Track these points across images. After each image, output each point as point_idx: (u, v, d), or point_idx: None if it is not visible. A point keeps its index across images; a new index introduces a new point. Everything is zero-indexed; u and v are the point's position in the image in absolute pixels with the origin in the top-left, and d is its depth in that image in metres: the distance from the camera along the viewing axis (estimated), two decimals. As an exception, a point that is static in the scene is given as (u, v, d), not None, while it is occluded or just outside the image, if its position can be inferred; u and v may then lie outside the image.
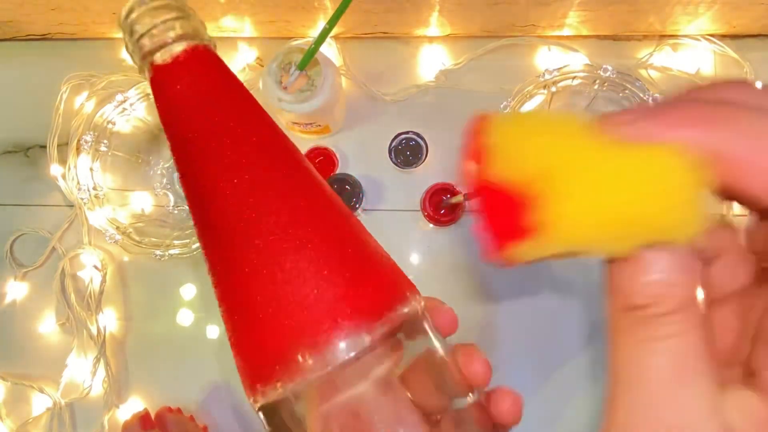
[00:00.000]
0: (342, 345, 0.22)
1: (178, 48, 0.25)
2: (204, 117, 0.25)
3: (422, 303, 0.26)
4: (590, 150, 0.14)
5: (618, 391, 0.15)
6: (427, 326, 0.26)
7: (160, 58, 0.25)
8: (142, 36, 0.25)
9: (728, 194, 0.14)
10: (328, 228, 0.25)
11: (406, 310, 0.24)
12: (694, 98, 0.17)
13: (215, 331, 0.62)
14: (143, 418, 0.55)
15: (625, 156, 0.14)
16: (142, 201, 0.62)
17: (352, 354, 0.22)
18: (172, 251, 0.57)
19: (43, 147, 0.63)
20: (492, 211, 0.15)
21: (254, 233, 0.24)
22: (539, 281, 0.60)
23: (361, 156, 0.62)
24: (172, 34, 0.25)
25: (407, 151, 0.58)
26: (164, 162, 0.64)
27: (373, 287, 0.24)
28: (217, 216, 0.25)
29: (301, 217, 0.24)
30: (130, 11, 0.25)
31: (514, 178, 0.14)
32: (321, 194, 0.26)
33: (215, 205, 0.25)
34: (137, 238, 0.58)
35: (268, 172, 0.25)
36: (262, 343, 0.23)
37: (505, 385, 0.26)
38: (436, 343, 0.26)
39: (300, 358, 0.22)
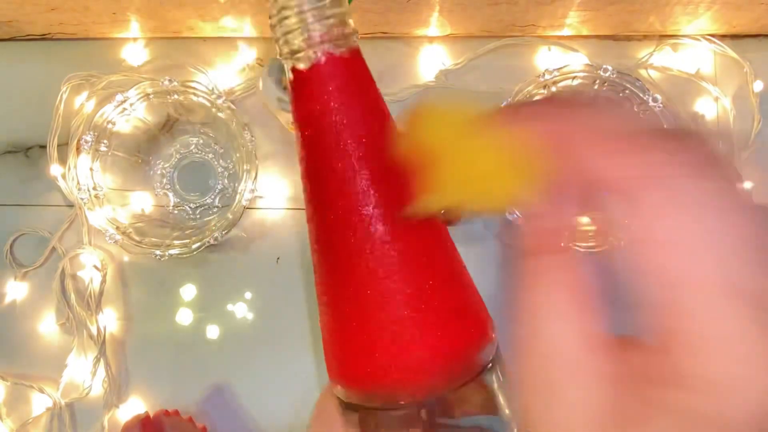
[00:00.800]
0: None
1: (331, 50, 0.23)
2: (348, 124, 0.24)
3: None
4: (466, 135, 0.20)
5: (512, 327, 0.17)
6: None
7: (304, 59, 0.23)
8: (288, 32, 0.23)
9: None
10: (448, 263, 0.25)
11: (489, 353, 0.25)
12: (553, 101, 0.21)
13: (215, 331, 0.62)
14: (144, 422, 0.55)
15: (485, 138, 0.19)
16: (142, 201, 0.62)
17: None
18: (172, 251, 0.57)
19: (43, 147, 0.63)
20: (405, 178, 0.22)
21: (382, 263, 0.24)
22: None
23: (361, 156, 0.62)
24: (321, 32, 0.23)
25: (407, 151, 0.58)
26: (164, 162, 0.64)
27: (473, 328, 0.25)
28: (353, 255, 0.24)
29: (432, 246, 0.24)
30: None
31: (420, 155, 0.21)
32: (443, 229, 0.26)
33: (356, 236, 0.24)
34: (137, 238, 0.58)
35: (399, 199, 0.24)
36: (380, 360, 0.24)
37: None
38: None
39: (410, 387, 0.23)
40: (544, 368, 0.17)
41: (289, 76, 0.24)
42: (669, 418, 0.15)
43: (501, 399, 0.25)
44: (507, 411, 0.25)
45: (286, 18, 0.22)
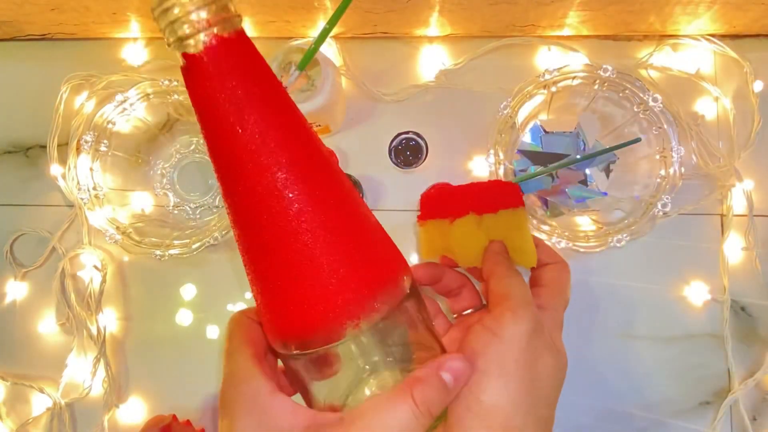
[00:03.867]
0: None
1: (218, 32, 0.24)
2: (242, 104, 0.25)
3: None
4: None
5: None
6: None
7: (193, 45, 0.24)
8: (173, 22, 0.24)
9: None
10: (350, 213, 0.28)
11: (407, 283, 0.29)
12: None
13: (215, 331, 0.62)
14: (165, 429, 0.55)
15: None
16: (142, 201, 0.62)
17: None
18: (172, 251, 0.57)
19: (43, 147, 0.63)
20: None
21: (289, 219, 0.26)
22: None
23: (361, 156, 0.62)
24: (206, 18, 0.24)
25: (407, 151, 0.58)
26: (164, 162, 0.64)
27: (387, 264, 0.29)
28: (257, 207, 0.26)
29: (335, 206, 0.27)
30: None
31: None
32: (344, 180, 0.29)
33: (257, 195, 0.26)
34: (137, 238, 0.58)
35: (307, 163, 0.27)
36: (308, 310, 0.27)
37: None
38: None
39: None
40: None
41: (181, 62, 0.25)
42: None
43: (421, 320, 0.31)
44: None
45: (169, 8, 0.24)
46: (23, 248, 0.64)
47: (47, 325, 0.62)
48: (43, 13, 0.60)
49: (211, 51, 0.24)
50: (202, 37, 0.24)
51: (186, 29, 0.24)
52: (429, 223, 0.45)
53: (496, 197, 0.42)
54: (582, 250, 0.54)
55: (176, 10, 0.24)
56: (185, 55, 0.25)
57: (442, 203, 0.44)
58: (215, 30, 0.24)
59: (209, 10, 0.24)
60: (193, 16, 0.24)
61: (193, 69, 0.25)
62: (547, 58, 0.62)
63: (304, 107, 0.52)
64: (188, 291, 0.62)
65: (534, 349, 0.32)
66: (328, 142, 0.62)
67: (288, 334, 0.27)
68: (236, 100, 0.25)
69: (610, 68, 0.54)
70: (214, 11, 0.24)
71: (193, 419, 0.59)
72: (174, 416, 0.57)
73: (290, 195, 0.25)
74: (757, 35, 0.62)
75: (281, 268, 0.26)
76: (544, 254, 0.41)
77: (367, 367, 0.28)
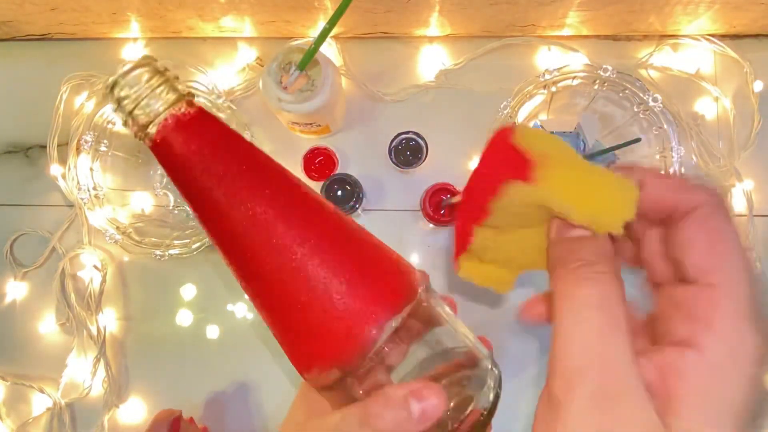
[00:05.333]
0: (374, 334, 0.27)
1: (174, 112, 0.26)
2: (216, 166, 0.26)
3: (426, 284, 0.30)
4: (575, 157, 0.25)
5: (557, 320, 0.22)
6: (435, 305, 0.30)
7: (154, 129, 0.26)
8: (132, 111, 0.26)
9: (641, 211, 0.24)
10: (342, 241, 0.28)
11: (412, 303, 0.28)
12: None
13: (215, 331, 0.62)
14: (174, 422, 0.55)
15: (594, 169, 0.24)
16: (142, 201, 0.62)
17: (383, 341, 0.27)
18: (172, 251, 0.57)
19: (43, 147, 0.63)
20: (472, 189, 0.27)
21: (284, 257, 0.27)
22: (541, 287, 0.60)
23: (361, 156, 0.62)
24: (162, 105, 0.25)
25: (407, 151, 0.58)
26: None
27: (392, 285, 0.28)
28: (251, 251, 0.27)
29: (324, 240, 0.27)
30: (114, 85, 0.25)
31: (529, 149, 0.25)
32: (331, 214, 0.29)
33: (245, 240, 0.27)
34: (137, 238, 0.58)
35: (283, 207, 0.27)
36: (314, 342, 0.27)
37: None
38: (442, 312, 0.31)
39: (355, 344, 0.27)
40: (594, 381, 0.20)
41: (148, 144, 0.27)
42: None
43: (441, 312, 0.30)
44: (446, 322, 0.30)
45: (126, 106, 0.26)
46: (23, 248, 0.64)
47: (47, 325, 0.62)
48: (43, 13, 0.60)
49: (172, 131, 0.26)
50: (159, 121, 0.26)
51: (143, 119, 0.26)
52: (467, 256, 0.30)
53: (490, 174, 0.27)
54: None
55: (131, 106, 0.25)
56: (151, 141, 0.26)
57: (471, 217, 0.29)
58: (171, 112, 0.26)
59: (160, 98, 0.25)
60: (149, 105, 0.25)
61: (161, 151, 0.27)
62: (547, 58, 0.62)
63: (304, 107, 0.52)
64: (188, 291, 0.62)
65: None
66: (328, 142, 0.62)
67: (318, 360, 0.28)
68: (206, 168, 0.26)
69: (610, 68, 0.54)
70: (165, 97, 0.26)
71: (194, 418, 0.59)
72: (181, 412, 0.57)
73: (297, 250, 0.26)
74: (757, 35, 0.62)
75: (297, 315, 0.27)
76: (655, 189, 0.23)
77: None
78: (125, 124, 0.26)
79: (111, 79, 0.25)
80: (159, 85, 0.25)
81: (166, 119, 0.26)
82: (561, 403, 0.20)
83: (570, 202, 0.23)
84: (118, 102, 0.26)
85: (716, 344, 0.20)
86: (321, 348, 0.27)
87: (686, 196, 0.22)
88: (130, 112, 0.26)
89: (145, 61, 0.26)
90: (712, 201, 0.22)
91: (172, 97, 0.26)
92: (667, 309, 0.23)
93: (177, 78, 0.27)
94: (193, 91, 0.27)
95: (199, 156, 0.26)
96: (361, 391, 0.28)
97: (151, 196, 0.63)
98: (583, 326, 0.21)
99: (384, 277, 0.28)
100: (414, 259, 0.61)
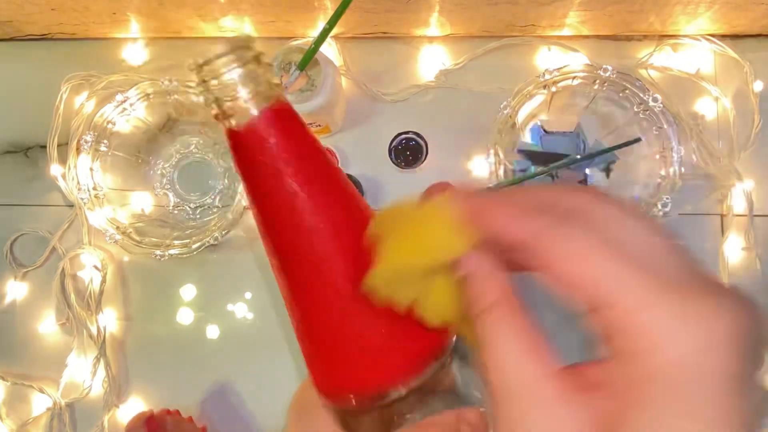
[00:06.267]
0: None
1: (263, 107, 0.24)
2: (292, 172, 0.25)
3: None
4: (405, 217, 0.23)
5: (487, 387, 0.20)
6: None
7: (238, 121, 0.24)
8: (220, 99, 0.24)
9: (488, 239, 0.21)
10: None
11: (439, 359, 0.28)
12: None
13: (215, 331, 0.62)
14: (148, 420, 0.55)
15: (418, 215, 0.23)
16: (142, 201, 0.62)
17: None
18: (172, 251, 0.57)
19: (43, 147, 0.63)
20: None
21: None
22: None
23: (361, 156, 0.62)
24: (253, 99, 0.24)
25: (407, 151, 0.58)
26: (164, 162, 0.64)
27: (419, 344, 0.27)
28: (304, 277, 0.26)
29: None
30: (207, 68, 0.24)
31: (372, 234, 0.24)
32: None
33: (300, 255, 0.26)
34: (137, 238, 0.58)
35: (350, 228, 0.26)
36: (341, 376, 0.27)
37: None
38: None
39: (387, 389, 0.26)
40: (518, 412, 0.18)
41: (227, 133, 0.25)
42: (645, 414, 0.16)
43: (458, 378, 0.29)
44: (462, 387, 0.29)
45: (214, 85, 0.24)
46: (23, 248, 0.64)
47: (47, 325, 0.62)
48: (43, 13, 0.60)
49: (255, 124, 0.24)
50: (244, 112, 0.24)
51: (229, 105, 0.24)
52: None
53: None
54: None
55: (221, 86, 0.24)
56: (229, 130, 0.25)
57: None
58: (258, 103, 0.24)
59: (253, 84, 0.24)
60: (239, 90, 0.24)
61: (238, 141, 0.25)
62: (547, 58, 0.62)
63: (304, 107, 0.52)
64: (188, 291, 0.62)
65: None
66: (328, 142, 0.62)
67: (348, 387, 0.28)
68: (283, 172, 0.25)
69: (610, 68, 0.54)
70: (257, 84, 0.24)
71: (193, 418, 0.59)
72: (152, 411, 0.57)
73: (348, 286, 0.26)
74: (757, 35, 0.62)
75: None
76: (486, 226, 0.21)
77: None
78: (211, 104, 0.25)
79: (205, 60, 0.24)
80: (255, 77, 0.24)
81: (262, 111, 0.24)
82: None
83: (405, 263, 0.23)
84: (207, 82, 0.24)
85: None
86: (344, 380, 0.27)
87: (516, 231, 0.19)
88: (222, 99, 0.24)
89: (245, 47, 0.24)
90: (552, 223, 0.18)
91: (270, 92, 0.24)
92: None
93: (270, 66, 0.25)
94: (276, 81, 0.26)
95: (290, 154, 0.25)
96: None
97: (151, 196, 0.63)
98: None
99: (420, 335, 0.27)
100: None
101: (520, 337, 0.19)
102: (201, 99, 0.25)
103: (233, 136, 0.25)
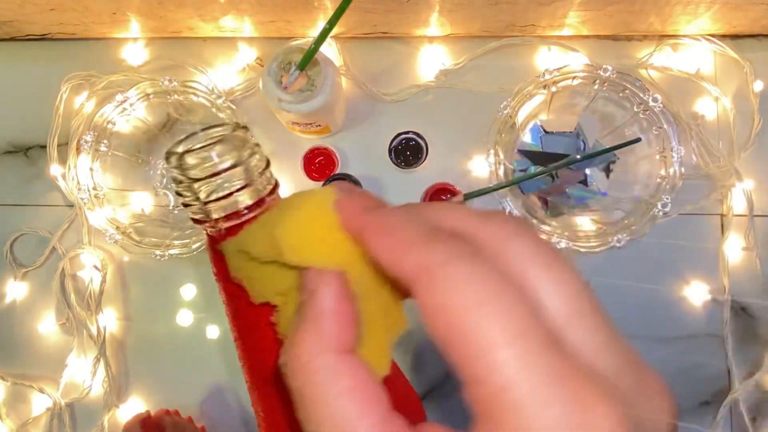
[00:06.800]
0: None
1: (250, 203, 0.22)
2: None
3: None
4: (291, 202, 0.20)
5: None
6: None
7: (226, 223, 0.22)
8: (206, 200, 0.21)
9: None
10: None
11: None
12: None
13: (215, 331, 0.62)
14: (144, 421, 0.55)
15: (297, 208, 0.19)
16: (142, 201, 0.62)
17: None
18: (172, 251, 0.57)
19: (43, 147, 0.63)
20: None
21: None
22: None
23: (361, 156, 0.62)
24: (243, 202, 0.21)
25: (407, 151, 0.58)
26: (164, 162, 0.64)
27: None
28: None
29: None
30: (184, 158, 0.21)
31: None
32: None
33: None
34: (137, 238, 0.58)
35: None
36: None
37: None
38: None
39: None
40: None
41: (214, 234, 0.23)
42: None
43: None
44: None
45: (204, 190, 0.21)
46: (23, 248, 0.64)
47: (47, 325, 0.62)
48: (43, 13, 0.60)
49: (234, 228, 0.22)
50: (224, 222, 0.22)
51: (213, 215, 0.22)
52: None
53: None
54: (582, 250, 0.54)
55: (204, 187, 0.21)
56: (209, 236, 0.23)
57: None
58: (246, 211, 0.22)
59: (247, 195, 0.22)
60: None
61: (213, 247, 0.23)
62: (547, 58, 0.62)
63: (304, 107, 0.52)
64: (188, 291, 0.62)
65: None
66: (328, 142, 0.62)
67: None
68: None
69: (610, 68, 0.54)
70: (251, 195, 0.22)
71: (192, 418, 0.59)
72: (149, 412, 0.57)
73: None
74: (757, 35, 0.62)
75: None
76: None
77: None
78: (190, 204, 0.22)
79: (182, 149, 0.21)
80: (260, 172, 0.21)
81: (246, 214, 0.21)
82: None
83: (257, 249, 0.21)
84: (194, 180, 0.21)
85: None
86: None
87: (397, 260, 0.16)
88: (207, 201, 0.21)
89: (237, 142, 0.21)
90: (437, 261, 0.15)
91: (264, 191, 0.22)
92: None
93: (268, 163, 0.22)
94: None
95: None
96: None
97: (151, 196, 0.63)
98: None
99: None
100: (414, 259, 0.61)
101: (352, 394, 0.16)
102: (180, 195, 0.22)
103: (217, 239, 0.23)
